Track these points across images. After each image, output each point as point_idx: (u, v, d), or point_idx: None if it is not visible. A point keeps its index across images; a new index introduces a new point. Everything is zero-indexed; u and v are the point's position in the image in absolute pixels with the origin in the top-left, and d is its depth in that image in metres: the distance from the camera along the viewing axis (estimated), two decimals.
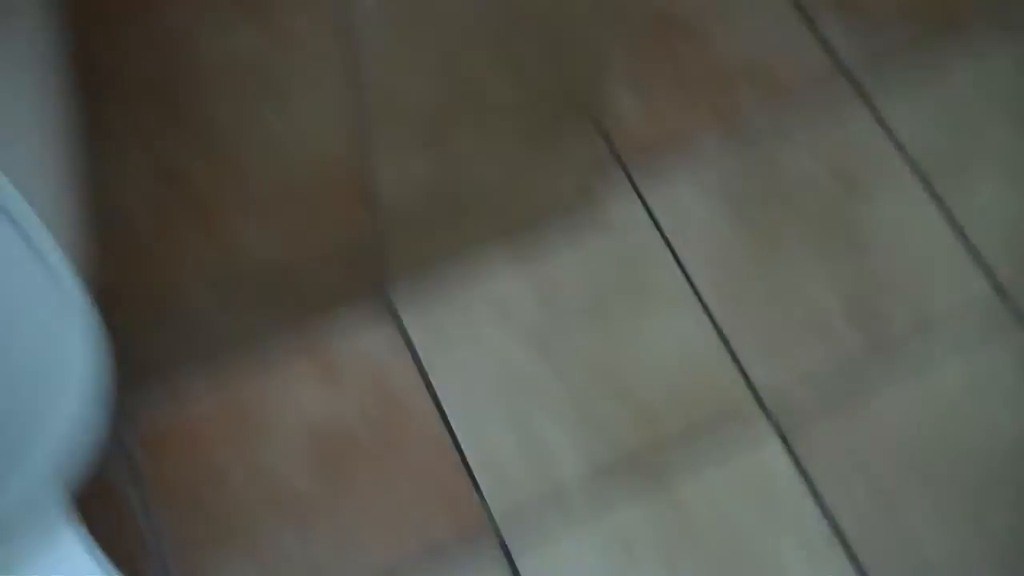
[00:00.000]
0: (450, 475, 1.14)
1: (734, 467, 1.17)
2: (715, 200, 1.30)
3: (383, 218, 1.09)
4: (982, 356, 1.24)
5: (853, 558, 1.13)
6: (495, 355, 1.20)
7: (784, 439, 1.18)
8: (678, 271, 1.26)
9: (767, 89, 1.37)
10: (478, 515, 1.13)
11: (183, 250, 1.00)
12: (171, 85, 0.84)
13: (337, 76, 0.90)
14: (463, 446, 1.15)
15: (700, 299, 1.25)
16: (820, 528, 1.14)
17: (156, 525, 1.09)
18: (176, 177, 0.92)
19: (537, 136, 1.11)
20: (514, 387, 1.19)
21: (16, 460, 0.59)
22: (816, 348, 1.23)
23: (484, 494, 1.13)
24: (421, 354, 1.20)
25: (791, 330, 1.24)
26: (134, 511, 1.08)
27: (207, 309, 1.09)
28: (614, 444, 1.17)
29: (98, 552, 0.63)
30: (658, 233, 1.28)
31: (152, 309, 1.05)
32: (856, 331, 1.24)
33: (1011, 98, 1.39)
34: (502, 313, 1.22)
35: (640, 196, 1.30)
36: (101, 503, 0.95)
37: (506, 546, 1.11)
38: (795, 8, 1.43)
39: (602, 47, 1.05)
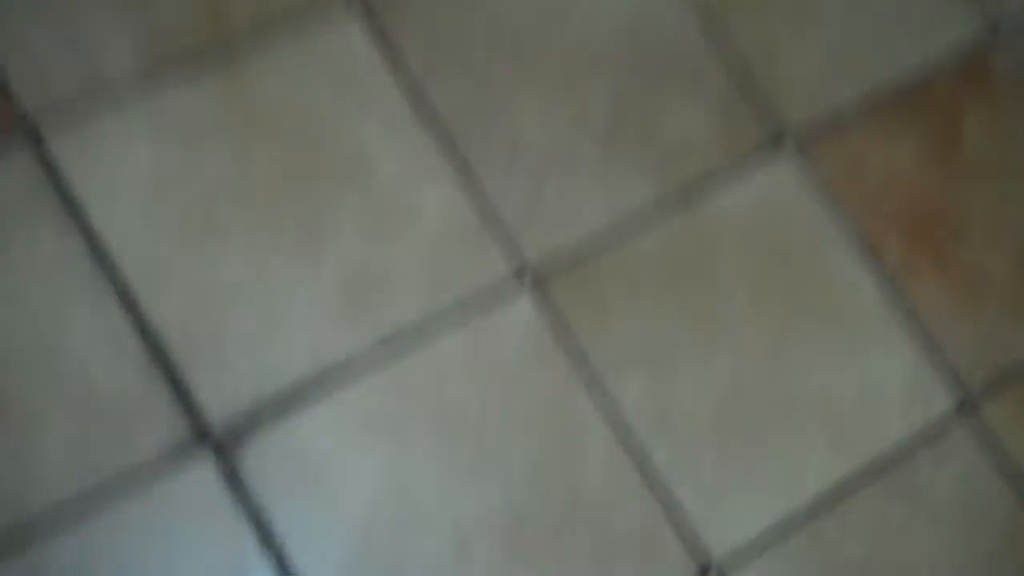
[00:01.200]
0: None
1: (310, 47, 1.04)
2: None
3: None
4: None
5: (441, 135, 1.03)
6: None
7: (370, 14, 1.05)
8: None
9: None
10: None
11: None
12: None
13: None
14: None
15: None
16: (404, 107, 1.04)
17: None
18: None
19: None
20: None
21: None
22: None
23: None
24: None
25: None
26: None
27: None
28: (172, 34, 1.02)
29: None
30: None
31: None
32: None
33: None
34: None
35: None
36: None
37: (37, 130, 0.95)
38: None
39: None
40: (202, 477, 0.88)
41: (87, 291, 0.90)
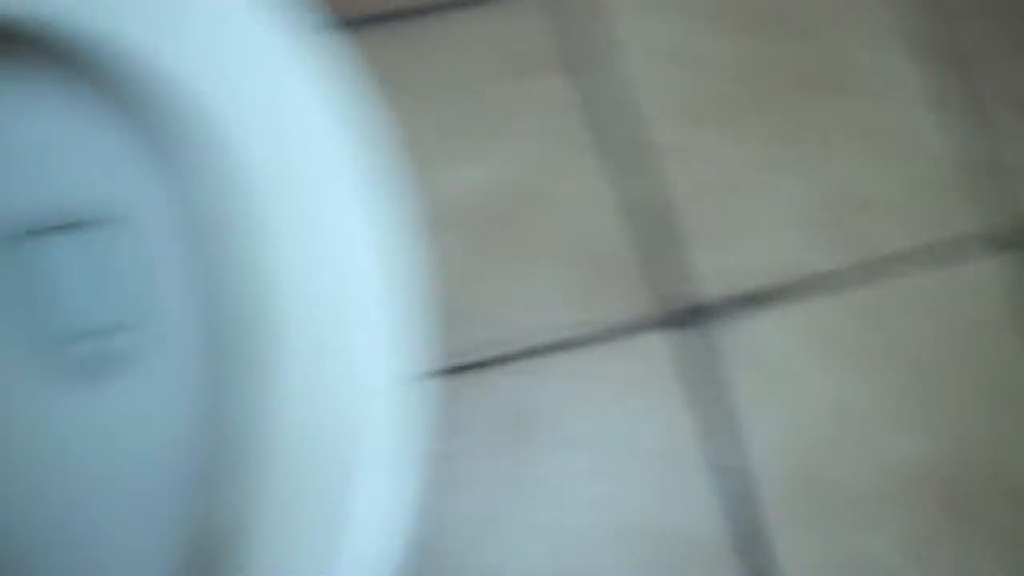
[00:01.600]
0: None
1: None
2: None
3: None
4: None
5: None
6: None
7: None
8: None
9: None
10: None
11: None
12: None
13: None
14: None
15: None
16: None
17: None
18: None
19: None
20: None
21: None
22: None
23: None
24: None
25: None
26: None
27: None
28: None
29: None
30: None
31: None
32: None
33: None
34: None
35: None
36: None
37: None
38: None
39: None
40: (661, 350, 0.87)
41: (584, 154, 0.89)
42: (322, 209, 0.50)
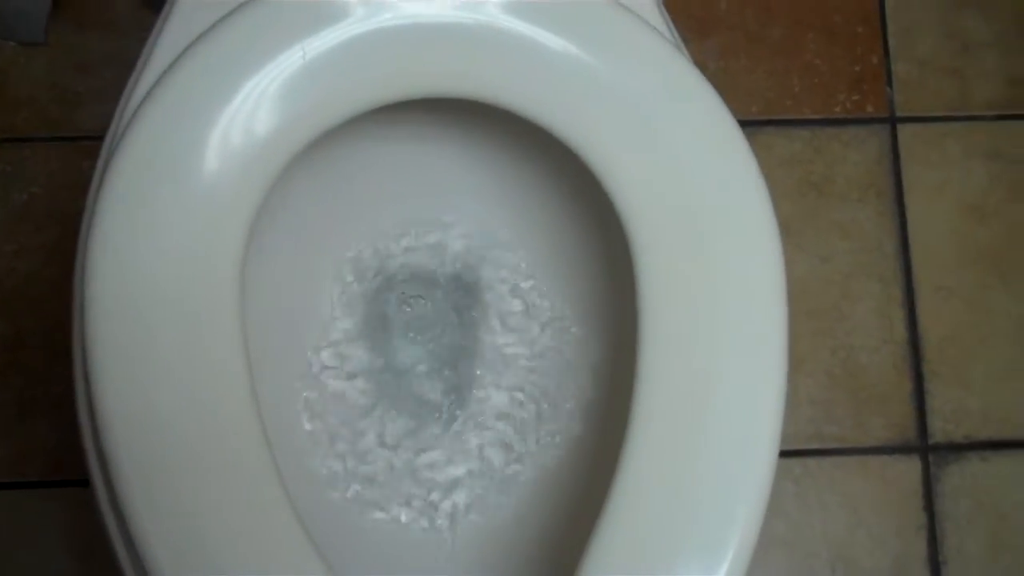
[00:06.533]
0: None
1: None
2: None
3: None
4: None
5: None
6: None
7: None
8: None
9: None
10: None
11: None
12: None
13: None
14: None
15: None
16: None
17: None
18: None
19: None
20: None
21: None
22: None
23: None
24: None
25: None
26: None
27: None
28: None
29: None
30: None
31: None
32: None
33: None
34: None
35: None
36: None
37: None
38: None
39: None
40: (896, 474, 0.91)
41: (883, 273, 0.95)
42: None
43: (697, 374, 0.54)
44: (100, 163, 0.59)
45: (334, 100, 0.57)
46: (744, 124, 0.93)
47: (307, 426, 0.69)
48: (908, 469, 0.92)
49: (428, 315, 0.72)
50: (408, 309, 0.72)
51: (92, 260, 0.54)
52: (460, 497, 0.68)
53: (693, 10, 0.96)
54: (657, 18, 0.60)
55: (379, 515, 0.68)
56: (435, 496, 0.68)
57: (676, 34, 0.61)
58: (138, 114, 0.55)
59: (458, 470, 0.69)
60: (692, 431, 0.53)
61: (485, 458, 0.69)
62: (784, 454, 0.91)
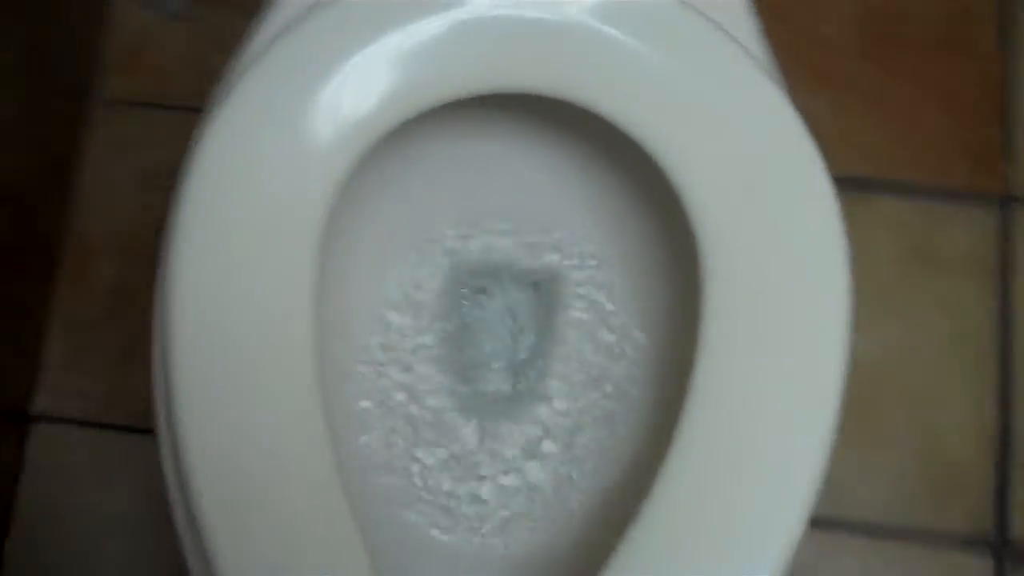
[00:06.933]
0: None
1: None
2: None
3: None
4: None
5: None
6: None
7: None
8: None
9: None
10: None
11: None
12: None
13: None
14: None
15: None
16: None
17: None
18: None
19: None
20: None
21: None
22: None
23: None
24: None
25: None
26: None
27: None
28: None
29: None
30: None
31: None
32: None
33: None
34: None
35: None
36: None
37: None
38: None
39: None
40: (972, 568, 0.87)
41: (979, 355, 0.91)
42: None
43: (749, 390, 0.52)
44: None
45: (433, 83, 0.57)
46: (853, 183, 0.92)
47: (364, 403, 0.69)
48: (981, 565, 0.87)
49: (496, 312, 0.71)
50: (477, 304, 0.71)
51: (186, 194, 0.55)
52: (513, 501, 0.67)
53: (812, 61, 0.94)
54: (747, 24, 0.59)
55: (418, 508, 0.67)
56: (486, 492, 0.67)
57: (768, 47, 0.60)
58: (246, 73, 0.57)
59: (509, 478, 0.68)
60: (739, 445, 0.51)
61: (540, 455, 0.68)
62: (852, 527, 0.88)
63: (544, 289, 0.71)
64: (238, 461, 0.52)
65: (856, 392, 0.85)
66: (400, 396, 0.69)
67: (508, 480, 0.68)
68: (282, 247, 0.55)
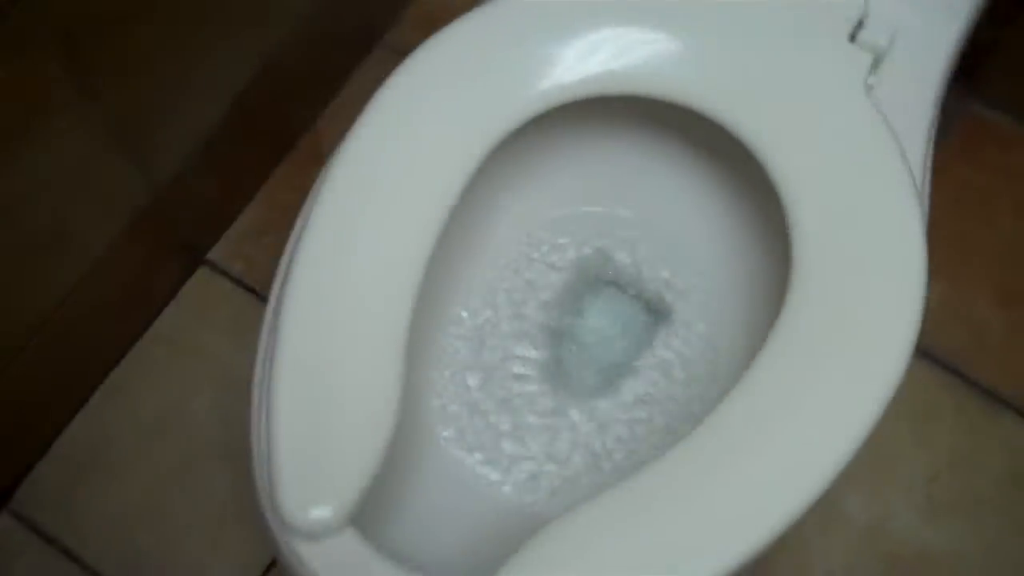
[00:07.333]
0: None
1: None
2: None
3: None
4: None
5: None
6: None
7: None
8: None
9: None
10: None
11: None
12: None
13: None
14: None
15: None
16: None
17: None
18: None
19: None
20: None
21: None
22: None
23: None
24: None
25: None
26: None
27: None
28: None
29: None
30: None
31: None
32: None
33: None
34: None
35: None
36: None
37: None
38: None
39: None
40: None
41: None
42: None
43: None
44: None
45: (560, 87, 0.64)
46: (990, 397, 0.92)
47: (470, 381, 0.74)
48: None
49: (603, 315, 0.76)
50: (588, 303, 0.77)
51: (348, 140, 0.63)
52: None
53: (1005, 281, 0.97)
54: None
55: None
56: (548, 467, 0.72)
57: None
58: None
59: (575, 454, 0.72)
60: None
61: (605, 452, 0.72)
62: None
63: (653, 307, 0.75)
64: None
65: None
66: (495, 356, 0.74)
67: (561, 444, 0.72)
68: (421, 200, 0.62)
